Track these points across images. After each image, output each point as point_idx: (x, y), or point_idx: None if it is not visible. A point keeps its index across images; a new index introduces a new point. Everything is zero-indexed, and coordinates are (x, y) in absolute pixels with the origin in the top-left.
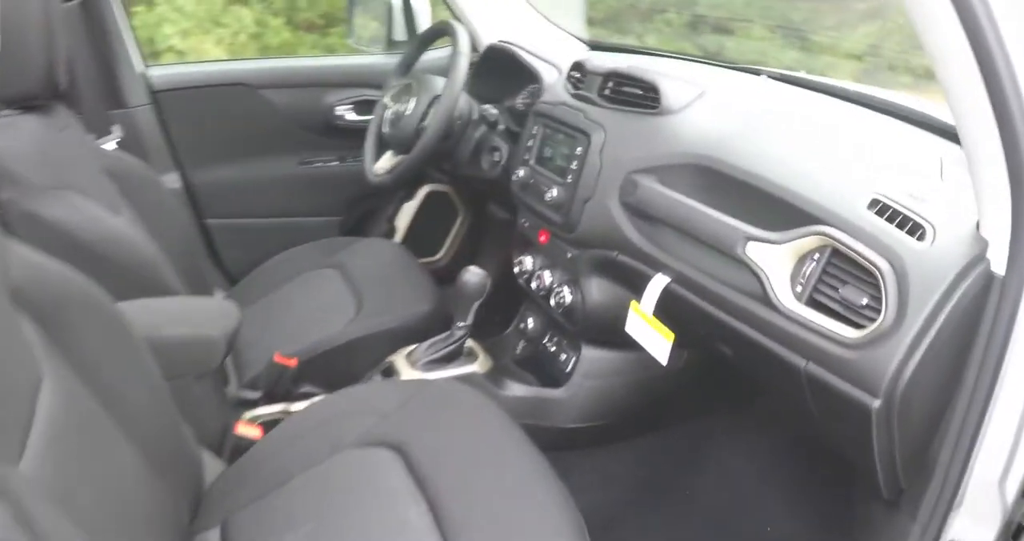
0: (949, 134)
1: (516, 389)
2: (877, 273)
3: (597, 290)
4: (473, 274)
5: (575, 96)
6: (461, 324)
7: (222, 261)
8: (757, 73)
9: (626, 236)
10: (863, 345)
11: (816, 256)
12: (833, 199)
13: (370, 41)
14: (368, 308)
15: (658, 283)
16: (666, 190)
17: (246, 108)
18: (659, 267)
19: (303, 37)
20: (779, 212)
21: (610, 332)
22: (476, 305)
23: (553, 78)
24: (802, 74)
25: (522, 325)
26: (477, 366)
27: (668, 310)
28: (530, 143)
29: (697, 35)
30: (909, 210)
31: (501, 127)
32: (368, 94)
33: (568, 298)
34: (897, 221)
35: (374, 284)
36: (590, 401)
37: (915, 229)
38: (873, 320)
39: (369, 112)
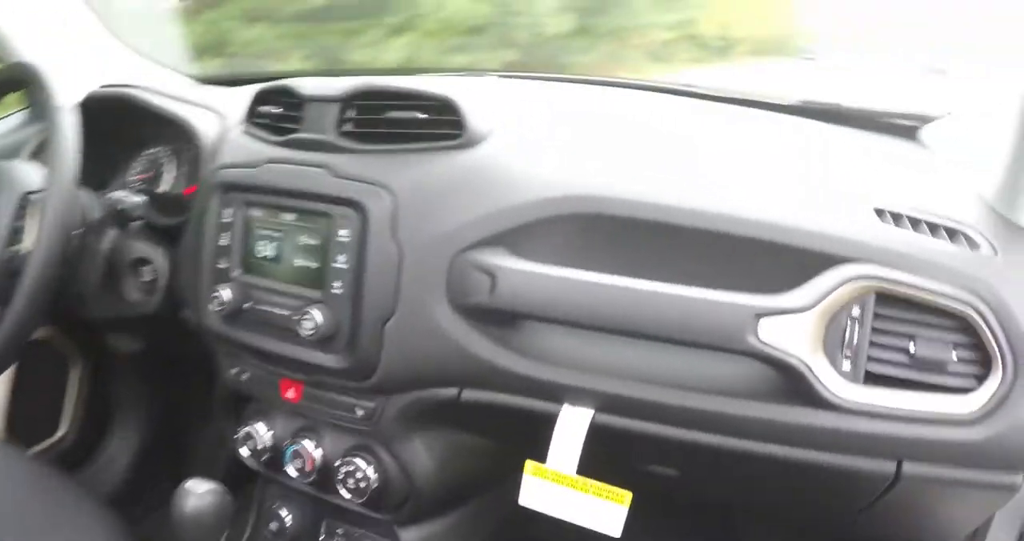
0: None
1: None
2: (962, 311)
3: (427, 452)
4: (200, 495)
5: (287, 144)
6: None
7: None
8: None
9: (484, 361)
10: (986, 416)
11: (855, 312)
12: (838, 223)
13: None
14: None
15: (574, 422)
16: (553, 269)
17: None
18: (561, 395)
19: None
20: (762, 262)
21: (456, 503)
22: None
23: (213, 129)
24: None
25: (274, 524)
26: None
27: (594, 452)
28: (224, 241)
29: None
30: (941, 217)
31: (137, 224)
32: None
33: (372, 477)
34: (938, 235)
35: None
36: None
37: (972, 243)
38: (976, 377)
39: None
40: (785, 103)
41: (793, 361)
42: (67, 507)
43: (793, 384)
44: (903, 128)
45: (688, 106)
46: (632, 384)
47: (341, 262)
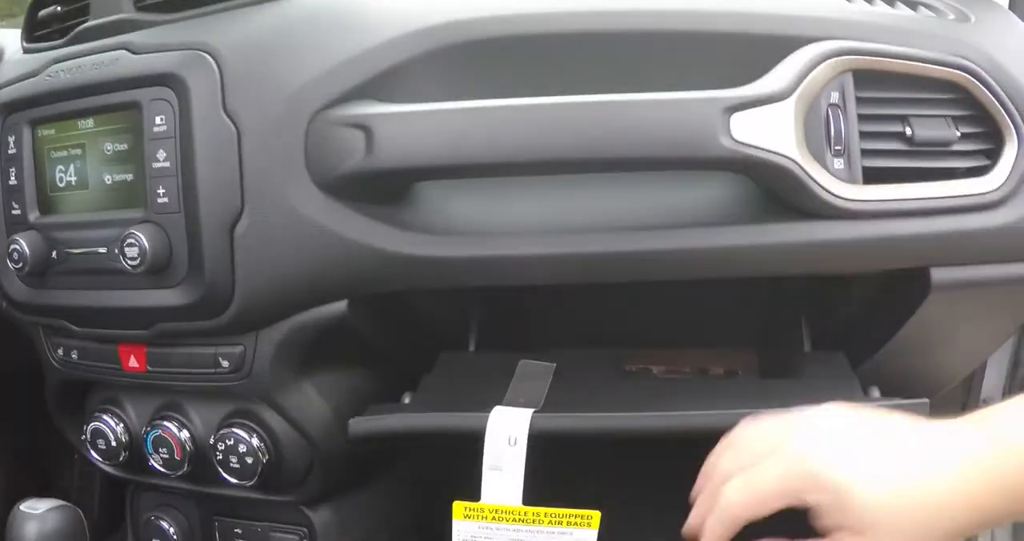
0: None
1: None
2: (955, 76)
3: (323, 399)
4: (42, 516)
5: (74, 40)
6: None
7: None
8: None
9: (374, 249)
10: (1011, 195)
11: (833, 98)
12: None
13: None
14: None
15: (510, 429)
16: (448, 104)
17: None
18: (490, 271)
19: None
20: (705, 61)
21: (373, 469)
22: None
23: None
24: None
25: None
26: None
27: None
28: (13, 180)
29: None
30: None
31: None
32: None
33: (258, 448)
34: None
35: None
36: None
37: (939, 12)
38: (986, 154)
39: None
40: None
41: (779, 160)
42: None
43: (784, 191)
44: None
45: None
46: (575, 238)
47: (161, 160)
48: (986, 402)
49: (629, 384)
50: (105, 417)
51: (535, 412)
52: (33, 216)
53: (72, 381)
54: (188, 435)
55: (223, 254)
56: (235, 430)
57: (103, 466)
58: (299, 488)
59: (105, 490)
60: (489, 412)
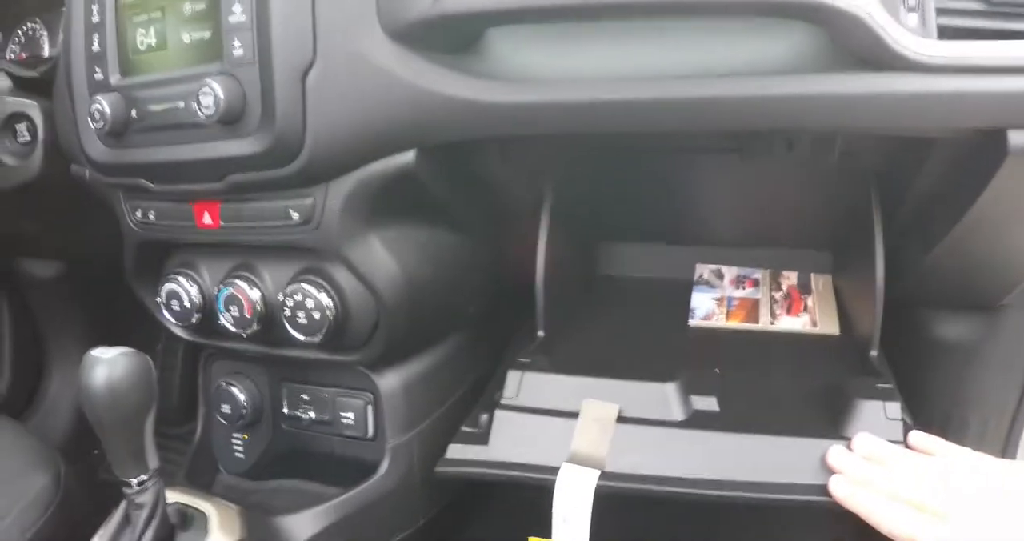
0: None
1: (302, 525)
2: None
3: (390, 254)
4: (111, 362)
5: None
6: (136, 480)
7: None
8: None
9: (443, 95)
10: None
11: None
12: None
13: None
14: None
15: (579, 481)
16: None
17: None
18: (558, 118)
19: None
20: None
21: (435, 333)
22: (151, 420)
23: None
24: None
25: (226, 406)
26: (221, 533)
27: None
28: (96, 46)
29: None
30: None
31: (5, 83)
32: None
33: (327, 304)
34: None
35: None
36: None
37: None
38: None
39: None
40: None
41: (850, 7)
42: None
43: (855, 42)
44: None
45: None
46: (641, 83)
47: (238, 14)
48: None
49: (693, 433)
50: (180, 279)
51: (600, 476)
52: (115, 79)
53: (150, 243)
54: (259, 294)
55: (294, 102)
56: (304, 285)
57: (176, 329)
58: (364, 348)
59: (187, 366)
60: (559, 467)
